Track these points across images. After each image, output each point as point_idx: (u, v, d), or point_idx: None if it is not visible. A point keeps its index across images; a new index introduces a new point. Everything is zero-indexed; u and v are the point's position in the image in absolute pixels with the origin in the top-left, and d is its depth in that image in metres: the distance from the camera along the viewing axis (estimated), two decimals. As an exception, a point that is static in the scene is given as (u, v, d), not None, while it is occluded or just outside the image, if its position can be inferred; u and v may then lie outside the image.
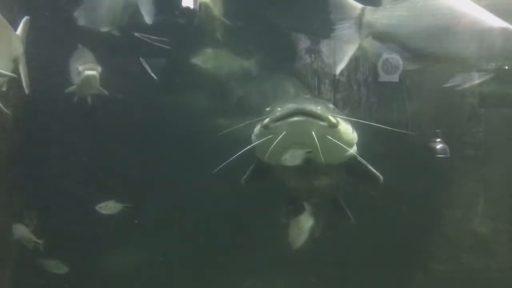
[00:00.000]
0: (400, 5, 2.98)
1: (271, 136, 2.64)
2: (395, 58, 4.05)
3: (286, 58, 4.73)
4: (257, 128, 2.84)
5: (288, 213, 3.83)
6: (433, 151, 4.19)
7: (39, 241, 3.92)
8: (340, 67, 3.24)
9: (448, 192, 4.60)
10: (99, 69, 3.89)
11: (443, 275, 4.56)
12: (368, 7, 3.07)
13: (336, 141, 2.66)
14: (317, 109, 2.58)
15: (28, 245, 3.92)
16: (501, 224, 4.61)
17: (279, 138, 2.58)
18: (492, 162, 4.56)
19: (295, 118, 2.55)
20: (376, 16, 3.05)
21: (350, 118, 2.82)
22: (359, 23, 3.08)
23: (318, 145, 2.55)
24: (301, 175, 3.17)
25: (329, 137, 2.62)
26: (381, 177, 3.04)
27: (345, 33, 3.11)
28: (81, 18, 4.07)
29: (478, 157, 4.59)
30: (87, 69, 3.85)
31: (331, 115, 2.62)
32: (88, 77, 3.87)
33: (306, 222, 4.25)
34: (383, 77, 4.03)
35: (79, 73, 3.87)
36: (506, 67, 2.85)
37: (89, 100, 4.15)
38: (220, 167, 2.67)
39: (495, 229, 4.60)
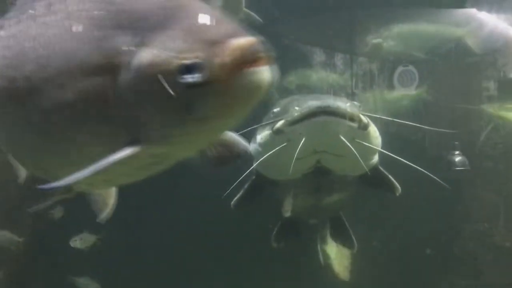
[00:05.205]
0: None
1: (285, 144, 2.16)
2: (411, 70, 4.07)
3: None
4: (262, 135, 2.32)
5: (280, 236, 3.18)
6: (452, 163, 4.13)
7: (20, 239, 3.66)
8: None
9: (468, 205, 4.51)
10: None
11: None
12: None
13: (369, 145, 2.18)
14: (346, 106, 2.10)
15: (11, 247, 3.67)
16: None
17: (300, 144, 2.06)
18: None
19: (320, 118, 2.05)
20: None
21: (380, 116, 2.43)
22: None
23: (348, 151, 2.08)
24: (311, 191, 2.69)
25: (359, 141, 2.15)
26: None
27: None
28: None
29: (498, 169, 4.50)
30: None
31: (361, 114, 2.15)
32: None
33: (331, 250, 3.73)
34: (399, 89, 4.03)
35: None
36: None
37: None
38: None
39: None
